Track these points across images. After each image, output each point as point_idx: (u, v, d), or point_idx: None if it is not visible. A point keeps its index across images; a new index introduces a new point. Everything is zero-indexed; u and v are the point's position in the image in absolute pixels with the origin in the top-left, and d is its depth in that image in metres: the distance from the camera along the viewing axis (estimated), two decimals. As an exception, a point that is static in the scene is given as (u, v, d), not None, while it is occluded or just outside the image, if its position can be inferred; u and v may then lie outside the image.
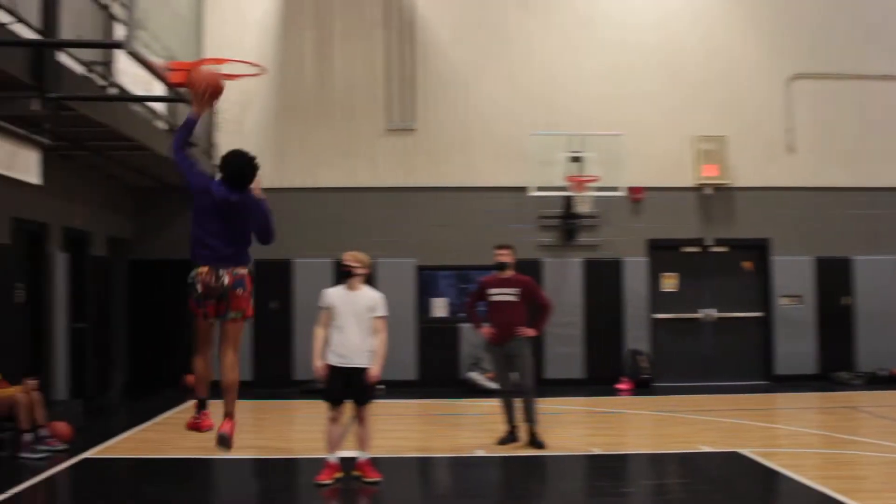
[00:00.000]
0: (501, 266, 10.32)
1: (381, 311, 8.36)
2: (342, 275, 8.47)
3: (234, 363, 6.59)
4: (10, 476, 8.56)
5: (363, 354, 8.19)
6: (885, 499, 7.64)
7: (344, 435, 8.34)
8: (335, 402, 8.22)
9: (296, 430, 12.15)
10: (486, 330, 10.28)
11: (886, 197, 16.66)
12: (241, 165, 6.63)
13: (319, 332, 8.23)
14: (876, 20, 16.93)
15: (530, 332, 10.18)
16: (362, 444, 8.31)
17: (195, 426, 6.90)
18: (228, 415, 6.68)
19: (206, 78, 6.56)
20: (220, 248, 6.43)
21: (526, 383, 10.08)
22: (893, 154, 16.75)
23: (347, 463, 8.30)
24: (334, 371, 8.15)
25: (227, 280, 6.40)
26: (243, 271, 6.54)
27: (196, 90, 6.52)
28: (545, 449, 9.77)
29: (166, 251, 15.54)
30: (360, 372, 8.21)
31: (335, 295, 8.24)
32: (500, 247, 10.43)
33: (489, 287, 10.34)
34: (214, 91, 6.58)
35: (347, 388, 8.17)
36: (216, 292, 6.41)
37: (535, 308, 10.34)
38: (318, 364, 8.18)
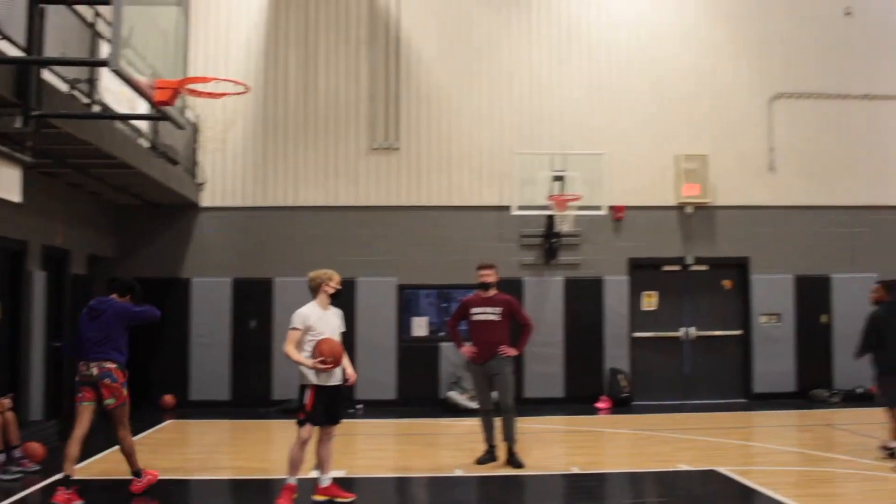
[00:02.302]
0: (485, 285, 10.33)
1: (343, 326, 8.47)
2: (334, 294, 8.47)
3: (124, 436, 8.59)
4: (-18, 497, 8.48)
5: (341, 372, 8.19)
6: None
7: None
8: (322, 423, 8.21)
9: (274, 450, 12.08)
10: (468, 349, 10.26)
11: (865, 215, 16.81)
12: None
13: (294, 351, 8.11)
14: (855, 40, 17.12)
15: (512, 351, 10.16)
16: (329, 464, 8.29)
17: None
18: (135, 473, 8.64)
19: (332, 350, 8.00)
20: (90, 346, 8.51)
21: (506, 402, 10.03)
22: (872, 173, 16.91)
23: (305, 486, 8.27)
24: (322, 392, 8.11)
25: (95, 371, 8.42)
26: (111, 365, 8.47)
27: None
28: (524, 468, 9.78)
29: (147, 269, 15.51)
30: (339, 389, 8.23)
31: (313, 315, 8.20)
32: (484, 266, 10.43)
33: (472, 306, 10.35)
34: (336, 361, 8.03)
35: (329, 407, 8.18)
36: (88, 380, 8.41)
37: (516, 327, 10.32)
38: (313, 363, 8.00)
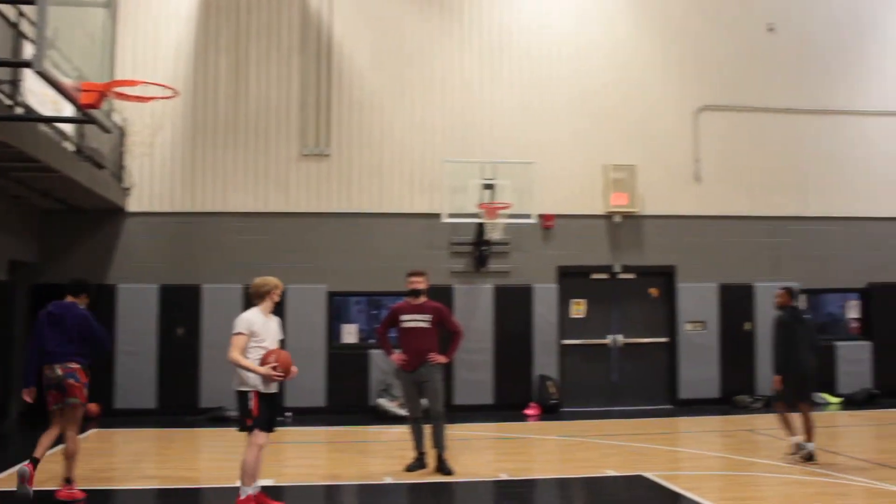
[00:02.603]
0: (415, 292, 10.31)
1: (282, 333, 8.42)
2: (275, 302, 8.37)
3: (72, 436, 8.72)
4: None
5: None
6: None
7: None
8: (271, 429, 8.15)
9: (202, 459, 11.95)
10: (398, 356, 10.23)
11: (787, 225, 17.26)
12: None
13: (241, 357, 7.93)
14: (778, 56, 17.58)
15: (441, 358, 10.16)
16: (258, 473, 8.18)
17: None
18: (67, 480, 8.65)
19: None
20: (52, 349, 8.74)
21: (436, 409, 10.06)
22: (794, 184, 17.38)
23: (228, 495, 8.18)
24: (265, 398, 8.02)
25: (59, 372, 8.66)
26: (75, 366, 8.71)
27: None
28: (453, 475, 9.81)
29: (72, 275, 15.00)
30: (276, 397, 8.23)
31: (257, 321, 8.08)
32: (414, 273, 10.41)
33: (401, 313, 10.32)
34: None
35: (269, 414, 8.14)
36: (53, 382, 8.68)
37: (447, 335, 10.35)
38: (266, 370, 7.88)
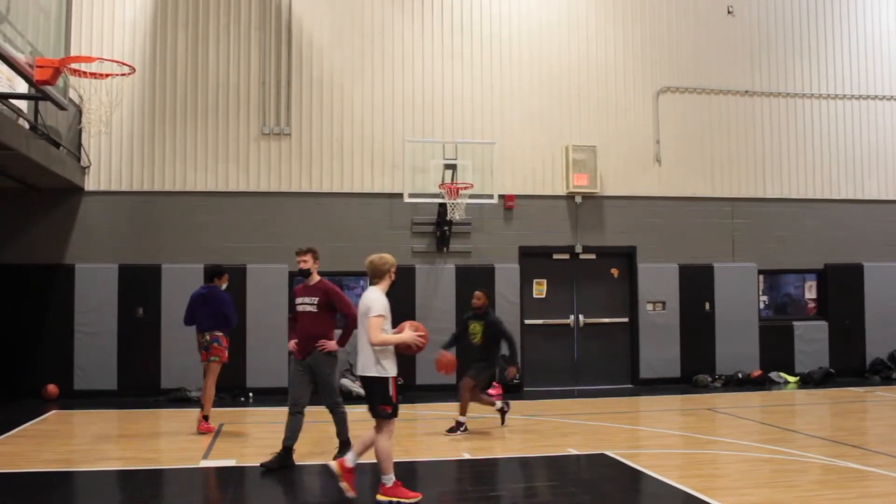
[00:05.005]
0: (303, 272, 9.57)
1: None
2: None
3: (210, 384, 11.52)
4: None
5: None
6: (742, 495, 7.94)
7: None
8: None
9: (163, 441, 11.86)
10: (291, 343, 9.59)
11: (745, 207, 17.49)
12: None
13: (387, 336, 7.74)
14: (737, 39, 17.78)
15: (331, 345, 9.40)
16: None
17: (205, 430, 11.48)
18: (205, 417, 11.48)
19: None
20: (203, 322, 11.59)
21: (328, 403, 9.51)
22: (751, 166, 17.62)
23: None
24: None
25: (208, 338, 11.51)
26: (219, 333, 11.51)
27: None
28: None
29: (28, 255, 15.04)
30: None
31: (387, 301, 7.87)
32: (301, 251, 9.57)
33: (296, 296, 9.63)
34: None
35: None
36: (204, 345, 11.54)
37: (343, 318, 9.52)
38: (412, 336, 7.85)
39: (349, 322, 9.23)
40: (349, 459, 7.81)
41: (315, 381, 9.50)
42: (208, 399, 11.53)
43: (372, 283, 7.97)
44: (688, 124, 17.48)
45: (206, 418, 11.48)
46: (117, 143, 15.66)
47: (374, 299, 7.76)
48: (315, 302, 9.37)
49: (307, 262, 9.49)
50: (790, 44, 18.04)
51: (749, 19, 17.88)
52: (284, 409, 9.61)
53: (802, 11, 18.15)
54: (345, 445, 9.40)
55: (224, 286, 11.86)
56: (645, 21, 17.49)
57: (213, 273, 11.91)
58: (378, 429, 7.78)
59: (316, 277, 9.53)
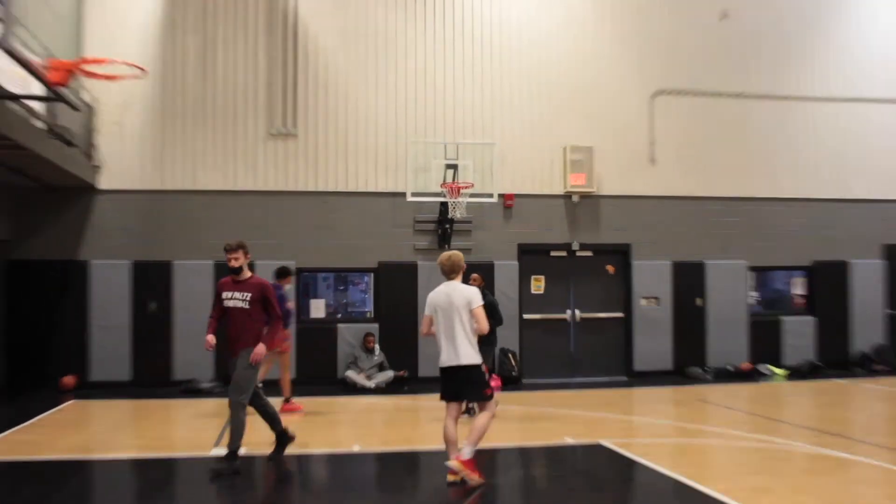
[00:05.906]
0: (233, 270, 9.01)
1: None
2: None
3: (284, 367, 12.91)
4: None
5: None
6: (731, 482, 8.21)
7: None
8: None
9: (177, 430, 12.24)
10: (209, 340, 9.05)
11: (737, 206, 17.89)
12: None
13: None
14: (731, 43, 18.12)
15: (259, 348, 8.89)
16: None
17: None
18: (286, 399, 12.73)
19: None
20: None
21: (231, 398, 8.84)
22: (743, 166, 17.99)
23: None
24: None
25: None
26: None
27: None
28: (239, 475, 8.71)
29: (45, 251, 15.45)
30: None
31: None
32: (230, 248, 9.00)
33: (223, 290, 9.08)
34: None
35: None
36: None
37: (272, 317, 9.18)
38: None
39: (275, 322, 9.10)
40: (466, 452, 8.18)
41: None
42: (285, 382, 12.91)
43: (449, 278, 8.46)
44: (682, 126, 17.82)
45: (287, 400, 12.73)
46: (129, 142, 16.02)
47: (472, 291, 8.32)
48: (247, 298, 8.92)
49: (238, 259, 8.98)
50: (780, 49, 18.37)
51: (743, 24, 18.20)
52: (274, 401, 9.81)
53: (791, 19, 18.51)
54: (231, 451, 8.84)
55: (287, 287, 13.09)
56: (641, 26, 17.84)
57: (278, 274, 13.03)
58: (482, 408, 8.47)
59: (248, 273, 9.10)
